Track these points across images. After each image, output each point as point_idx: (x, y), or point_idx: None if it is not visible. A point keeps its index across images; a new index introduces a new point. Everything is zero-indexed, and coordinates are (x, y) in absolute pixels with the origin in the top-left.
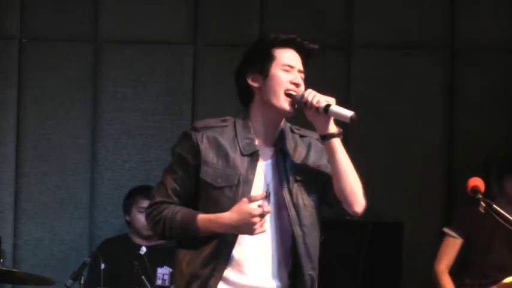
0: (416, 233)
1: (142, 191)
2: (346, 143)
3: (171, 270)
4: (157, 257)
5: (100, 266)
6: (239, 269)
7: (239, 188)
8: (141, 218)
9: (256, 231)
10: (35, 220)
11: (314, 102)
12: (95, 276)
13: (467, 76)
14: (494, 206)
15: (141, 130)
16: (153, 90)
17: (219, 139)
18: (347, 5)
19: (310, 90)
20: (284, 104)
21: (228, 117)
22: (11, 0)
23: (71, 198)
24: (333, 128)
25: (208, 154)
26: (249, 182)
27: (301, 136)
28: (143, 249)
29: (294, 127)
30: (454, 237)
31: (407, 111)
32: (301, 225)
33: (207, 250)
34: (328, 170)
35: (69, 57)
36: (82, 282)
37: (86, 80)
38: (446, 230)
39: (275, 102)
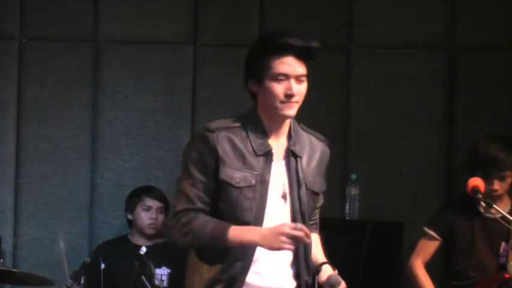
0: (416, 233)
1: (149, 189)
2: (345, 143)
3: (169, 271)
4: (156, 257)
5: (100, 266)
6: (256, 271)
7: (257, 187)
8: (144, 217)
9: (280, 247)
10: (35, 220)
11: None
12: (94, 276)
13: (467, 76)
14: (494, 205)
15: (141, 130)
16: (153, 90)
17: (234, 139)
18: (347, 5)
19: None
20: (281, 111)
21: (237, 117)
22: (11, 0)
23: (71, 198)
24: None
25: (226, 154)
26: (265, 183)
27: (311, 137)
28: (143, 249)
29: (302, 125)
30: (432, 236)
31: (407, 111)
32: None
33: (229, 253)
34: (321, 190)
35: (69, 57)
36: (82, 282)
37: (86, 80)
38: (425, 228)
39: (272, 111)
